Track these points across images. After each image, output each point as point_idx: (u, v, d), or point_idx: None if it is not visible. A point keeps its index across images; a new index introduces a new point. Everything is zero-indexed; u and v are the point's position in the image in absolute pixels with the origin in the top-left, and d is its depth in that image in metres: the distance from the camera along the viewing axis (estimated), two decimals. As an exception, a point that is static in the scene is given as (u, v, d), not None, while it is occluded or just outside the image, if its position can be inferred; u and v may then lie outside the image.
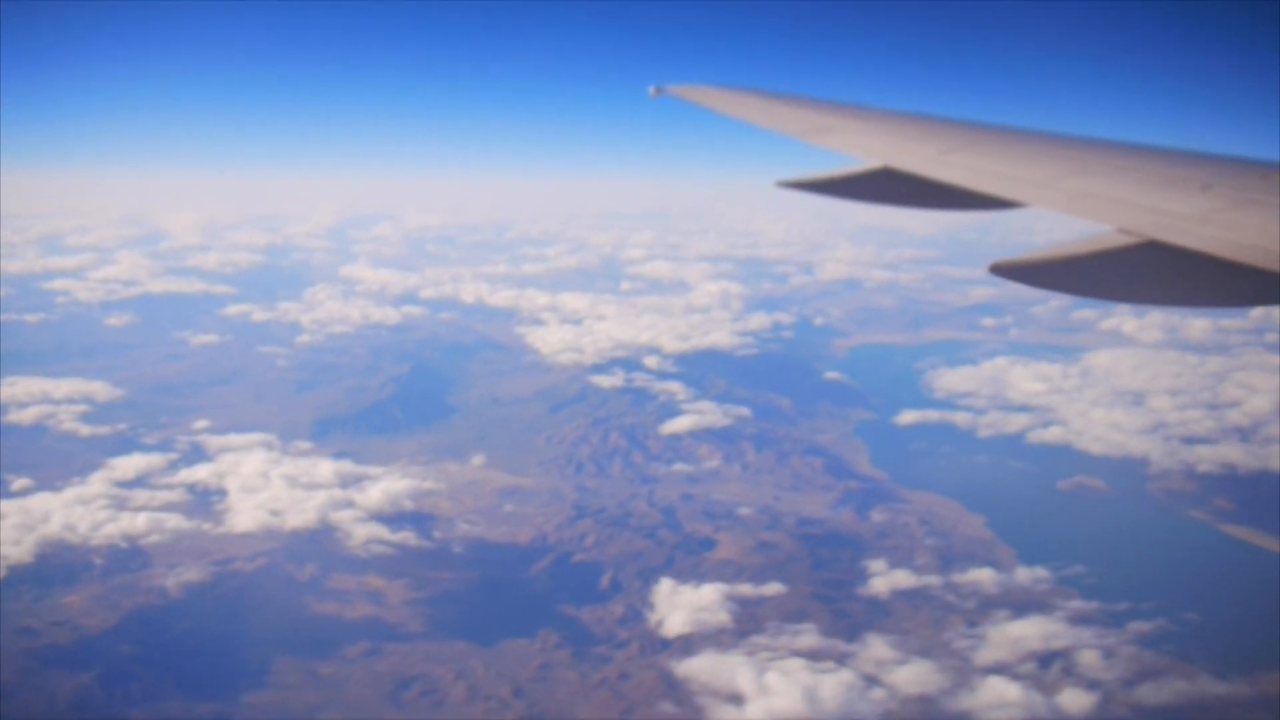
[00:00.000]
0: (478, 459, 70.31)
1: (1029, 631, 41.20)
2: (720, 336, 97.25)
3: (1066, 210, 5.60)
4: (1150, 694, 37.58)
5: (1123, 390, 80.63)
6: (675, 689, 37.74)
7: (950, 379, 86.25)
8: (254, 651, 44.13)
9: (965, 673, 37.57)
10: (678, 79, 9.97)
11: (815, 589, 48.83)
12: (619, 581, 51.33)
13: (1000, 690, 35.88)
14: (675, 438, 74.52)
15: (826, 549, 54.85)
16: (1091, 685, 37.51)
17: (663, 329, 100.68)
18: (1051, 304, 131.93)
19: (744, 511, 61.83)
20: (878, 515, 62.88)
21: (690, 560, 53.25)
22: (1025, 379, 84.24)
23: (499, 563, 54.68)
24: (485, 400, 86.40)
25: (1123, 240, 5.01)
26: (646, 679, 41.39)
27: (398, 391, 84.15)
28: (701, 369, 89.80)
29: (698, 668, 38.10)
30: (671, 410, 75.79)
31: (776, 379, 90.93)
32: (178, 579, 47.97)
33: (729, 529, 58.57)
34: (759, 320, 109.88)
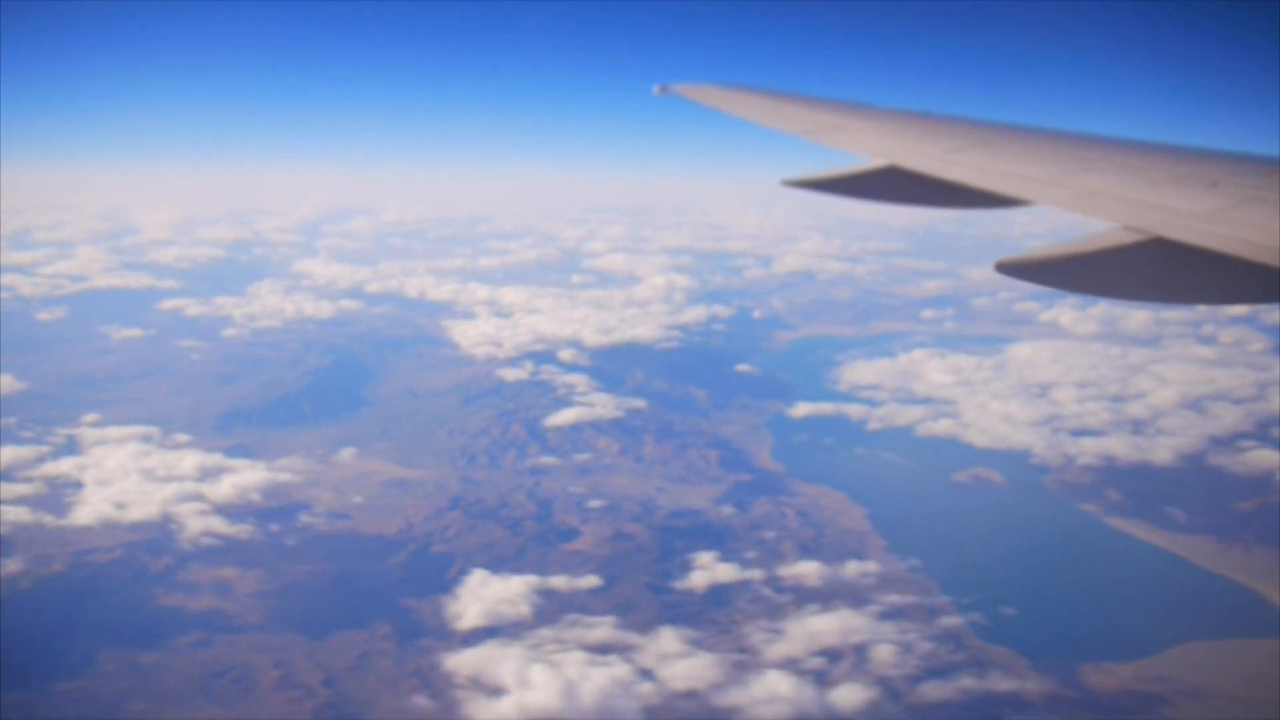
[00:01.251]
0: (371, 450, 70.96)
1: (831, 626, 41.21)
2: (644, 330, 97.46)
3: (1073, 208, 5.60)
4: (933, 690, 37.51)
5: (1030, 383, 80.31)
6: (447, 682, 37.99)
7: (863, 372, 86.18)
8: (83, 643, 44.56)
9: (748, 667, 37.63)
10: (679, 76, 9.92)
11: (651, 579, 49.09)
12: (466, 573, 51.66)
13: (774, 685, 35.91)
14: (576, 430, 74.90)
15: (682, 541, 54.98)
16: (877, 680, 37.49)
17: (592, 322, 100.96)
18: (1001, 295, 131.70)
19: (622, 504, 62.20)
20: (759, 508, 63.07)
21: (540, 551, 53.54)
22: (938, 372, 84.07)
23: (359, 554, 55.02)
24: (401, 393, 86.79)
25: (1129, 238, 5.02)
26: (454, 671, 41.74)
27: (312, 385, 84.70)
28: (620, 362, 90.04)
29: (471, 660, 38.32)
30: (569, 404, 76.08)
31: (697, 372, 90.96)
32: (22, 571, 48.58)
33: (596, 521, 58.81)
34: (695, 313, 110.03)
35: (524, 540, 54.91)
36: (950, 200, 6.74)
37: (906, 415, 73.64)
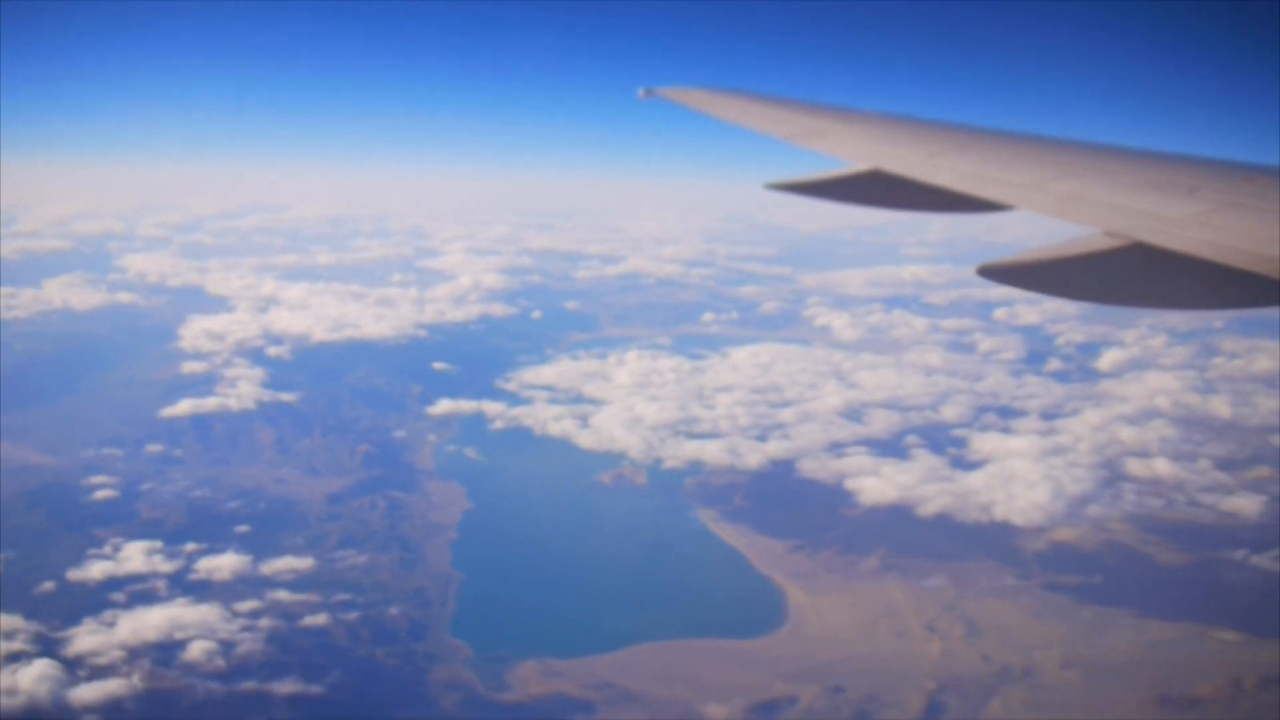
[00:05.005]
0: (29, 439, 71.65)
1: (164, 621, 41.61)
2: (382, 328, 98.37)
3: (1053, 213, 5.60)
4: (204, 689, 37.85)
5: (708, 387, 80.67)
6: None
7: (550, 372, 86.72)
8: None
9: (21, 657, 37.91)
10: (663, 80, 10.18)
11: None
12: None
13: (19, 678, 36.18)
14: (246, 419, 76.34)
15: (214, 528, 55.64)
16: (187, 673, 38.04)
17: (351, 319, 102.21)
18: (810, 300, 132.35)
19: (220, 492, 63.04)
20: (358, 502, 64.18)
21: (71, 540, 53.85)
22: (626, 374, 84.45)
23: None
24: (119, 384, 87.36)
25: (1109, 243, 5.02)
26: None
27: (12, 376, 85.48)
28: (339, 358, 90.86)
29: None
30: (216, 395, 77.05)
31: (422, 369, 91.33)
32: None
33: (169, 508, 59.39)
34: (468, 311, 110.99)
35: (65, 527, 55.41)
36: (932, 204, 6.74)
37: (539, 415, 74.31)
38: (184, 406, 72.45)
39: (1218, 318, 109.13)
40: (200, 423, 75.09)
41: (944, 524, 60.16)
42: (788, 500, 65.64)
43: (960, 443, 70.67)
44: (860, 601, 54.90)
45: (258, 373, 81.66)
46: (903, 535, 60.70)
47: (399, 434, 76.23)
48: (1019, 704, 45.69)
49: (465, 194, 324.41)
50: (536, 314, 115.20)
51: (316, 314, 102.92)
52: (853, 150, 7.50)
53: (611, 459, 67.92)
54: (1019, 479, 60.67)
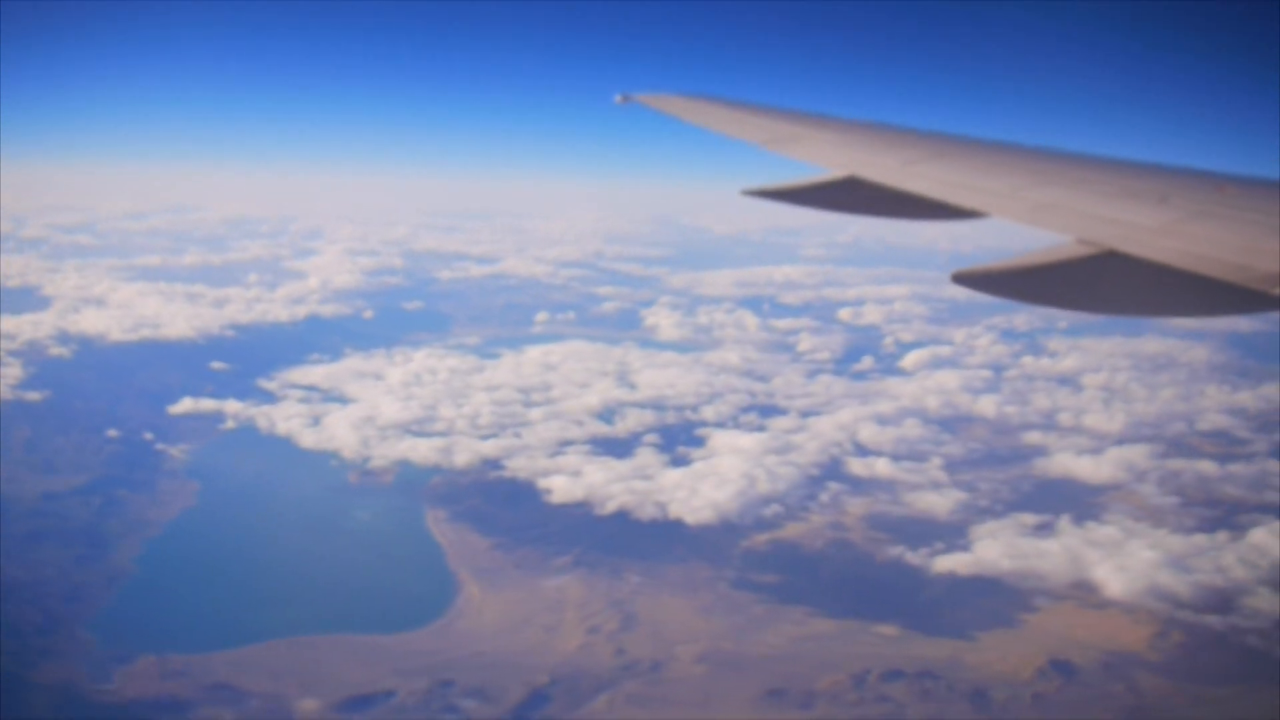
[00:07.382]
0: None
1: None
2: (183, 328, 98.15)
3: (1027, 221, 5.67)
4: None
5: (470, 385, 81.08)
6: None
7: (323, 372, 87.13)
8: None
9: None
10: (642, 88, 9.88)
11: None
12: None
13: None
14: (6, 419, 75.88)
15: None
16: None
17: (160, 318, 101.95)
18: (664, 299, 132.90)
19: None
20: (73, 500, 64.14)
21: None
22: (400, 373, 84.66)
23: None
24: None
25: (1082, 250, 5.09)
26: None
27: None
28: (124, 359, 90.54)
29: None
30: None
31: (205, 370, 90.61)
32: None
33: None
34: (294, 311, 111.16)
35: None
36: (908, 211, 6.79)
37: (274, 415, 74.43)
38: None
39: (1065, 318, 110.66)
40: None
41: (643, 522, 60.44)
42: (514, 500, 65.87)
43: (700, 442, 71.04)
44: (531, 598, 55.10)
45: (15, 372, 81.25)
46: (609, 534, 61.03)
47: (153, 434, 75.83)
48: (626, 699, 45.98)
49: (399, 195, 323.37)
50: (368, 314, 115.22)
51: (128, 314, 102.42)
52: (829, 157, 7.56)
53: (325, 458, 68.02)
54: (714, 476, 61.07)
